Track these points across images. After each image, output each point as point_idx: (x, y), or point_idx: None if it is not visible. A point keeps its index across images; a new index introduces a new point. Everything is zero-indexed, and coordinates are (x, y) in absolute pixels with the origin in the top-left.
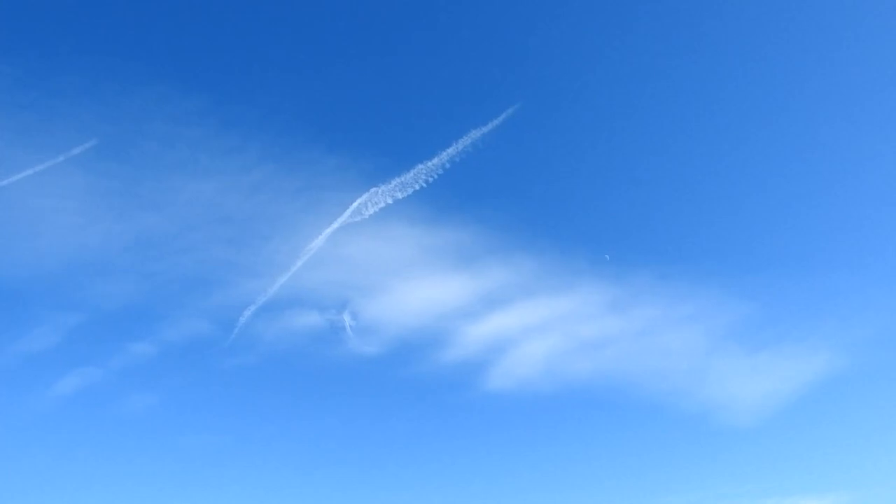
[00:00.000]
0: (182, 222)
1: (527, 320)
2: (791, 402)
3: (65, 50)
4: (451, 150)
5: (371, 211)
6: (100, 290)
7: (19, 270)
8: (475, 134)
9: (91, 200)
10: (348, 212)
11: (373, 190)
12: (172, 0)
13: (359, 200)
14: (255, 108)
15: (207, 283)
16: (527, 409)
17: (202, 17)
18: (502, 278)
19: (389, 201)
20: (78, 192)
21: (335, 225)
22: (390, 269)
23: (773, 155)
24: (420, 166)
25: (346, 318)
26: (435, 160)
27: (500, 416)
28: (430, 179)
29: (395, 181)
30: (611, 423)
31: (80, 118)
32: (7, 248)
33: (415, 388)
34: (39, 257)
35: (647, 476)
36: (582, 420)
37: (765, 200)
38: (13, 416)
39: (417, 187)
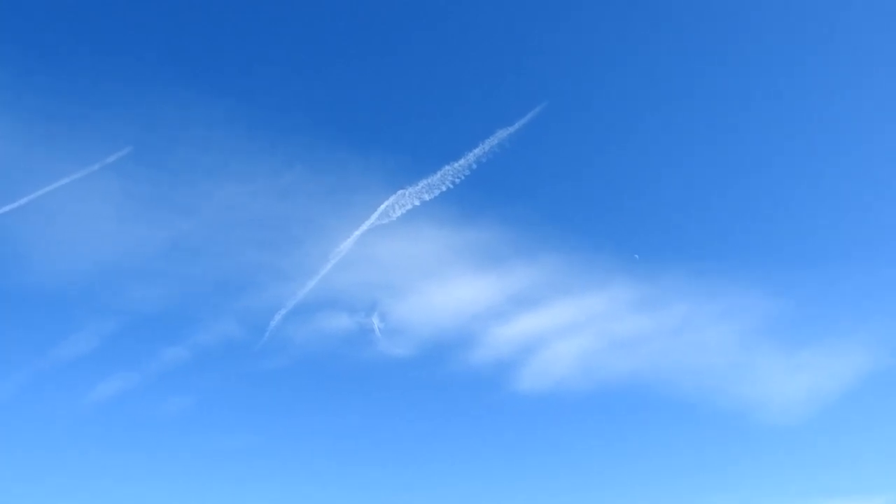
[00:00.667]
0: (214, 226)
1: (557, 320)
2: (832, 400)
3: (98, 60)
4: (477, 151)
5: (399, 213)
6: (135, 294)
7: (59, 277)
8: (501, 134)
9: (127, 206)
10: (376, 214)
11: (400, 192)
12: (203, 7)
13: (386, 202)
14: (284, 111)
15: (239, 287)
16: (559, 409)
17: (231, 22)
18: (531, 278)
19: (417, 203)
20: (114, 199)
21: (364, 227)
22: (419, 270)
23: (809, 147)
24: (447, 167)
25: (375, 320)
26: (462, 161)
27: (531, 416)
28: (457, 180)
29: (423, 182)
30: (645, 422)
31: (115, 126)
32: (47, 255)
33: (445, 389)
34: (78, 263)
35: (684, 476)
36: (615, 420)
37: (800, 194)
38: (55, 418)
39: (444, 188)
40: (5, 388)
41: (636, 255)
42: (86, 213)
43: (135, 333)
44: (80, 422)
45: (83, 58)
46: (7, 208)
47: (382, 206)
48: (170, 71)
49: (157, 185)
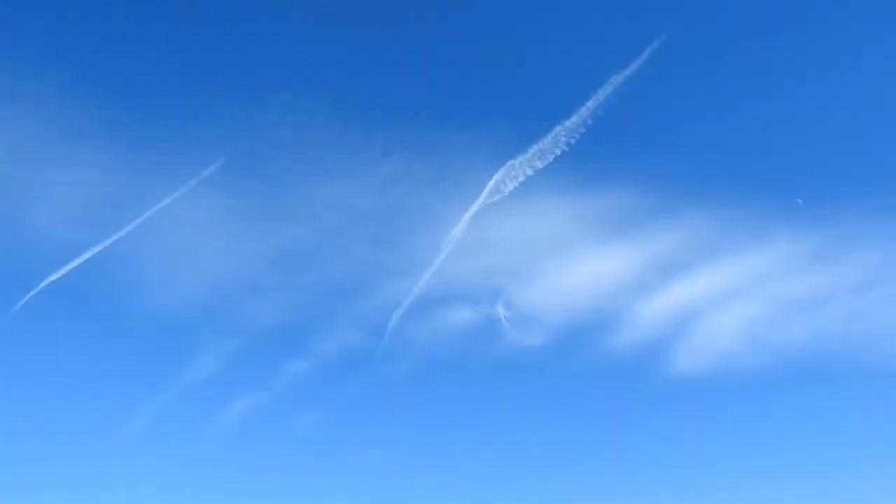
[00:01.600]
0: (321, 229)
1: (713, 286)
2: None
3: (182, 73)
4: (590, 104)
5: (511, 187)
6: (252, 310)
7: (175, 301)
8: (617, 80)
9: (229, 220)
10: (486, 191)
11: (509, 163)
12: (282, 6)
13: (496, 177)
14: (371, 98)
15: (353, 289)
16: (726, 389)
17: (310, 18)
18: (675, 241)
19: (529, 172)
20: (215, 214)
21: (474, 208)
22: (542, 248)
23: None
24: (558, 128)
25: (501, 309)
26: (574, 118)
27: (693, 401)
28: (572, 140)
29: (533, 149)
30: (837, 395)
31: (204, 139)
32: (160, 280)
33: (589, 377)
34: (191, 285)
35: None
36: (799, 396)
37: None
38: (190, 443)
39: (559, 152)
40: (143, 414)
41: (799, 200)
42: (189, 231)
43: (257, 350)
44: (216, 444)
45: (167, 72)
46: (116, 236)
47: (492, 182)
48: (254, 75)
49: (254, 194)
